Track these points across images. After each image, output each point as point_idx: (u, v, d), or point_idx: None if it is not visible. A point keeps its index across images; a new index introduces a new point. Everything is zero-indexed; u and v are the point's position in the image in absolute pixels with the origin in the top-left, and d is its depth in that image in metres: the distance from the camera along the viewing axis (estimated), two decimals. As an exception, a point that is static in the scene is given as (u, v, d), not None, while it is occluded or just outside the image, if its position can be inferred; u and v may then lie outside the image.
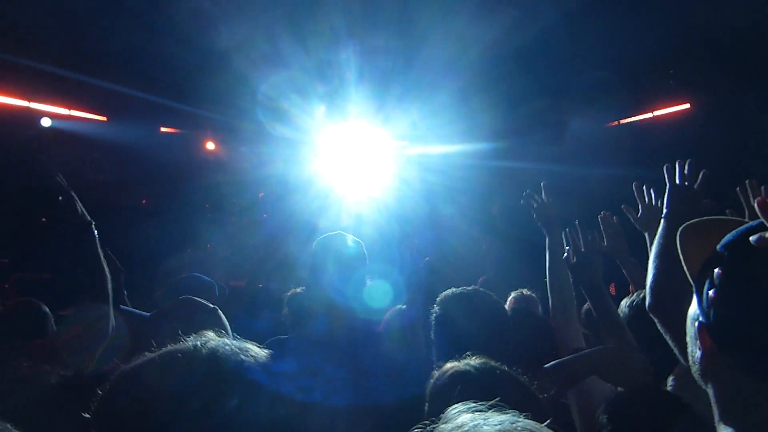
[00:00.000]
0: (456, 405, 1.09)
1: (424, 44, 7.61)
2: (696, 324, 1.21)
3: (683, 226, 1.34)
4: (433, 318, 2.46)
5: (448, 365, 1.71)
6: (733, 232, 1.17)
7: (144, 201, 9.47)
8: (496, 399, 1.11)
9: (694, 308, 1.27)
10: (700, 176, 2.21)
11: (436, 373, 1.72)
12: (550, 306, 2.97)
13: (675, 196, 2.17)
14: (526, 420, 1.01)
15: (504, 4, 6.73)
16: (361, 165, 9.30)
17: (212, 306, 2.36)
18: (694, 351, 1.24)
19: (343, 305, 2.38)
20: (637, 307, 2.53)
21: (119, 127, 9.49)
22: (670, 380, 2.33)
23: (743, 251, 1.13)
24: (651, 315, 1.87)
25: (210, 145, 10.48)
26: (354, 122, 9.24)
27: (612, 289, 6.88)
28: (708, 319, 1.17)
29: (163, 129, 10.16)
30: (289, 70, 8.05)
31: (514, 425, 0.98)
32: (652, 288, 1.90)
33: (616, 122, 9.71)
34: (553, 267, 2.99)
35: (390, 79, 8.32)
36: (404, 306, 3.80)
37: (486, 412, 1.05)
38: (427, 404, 1.69)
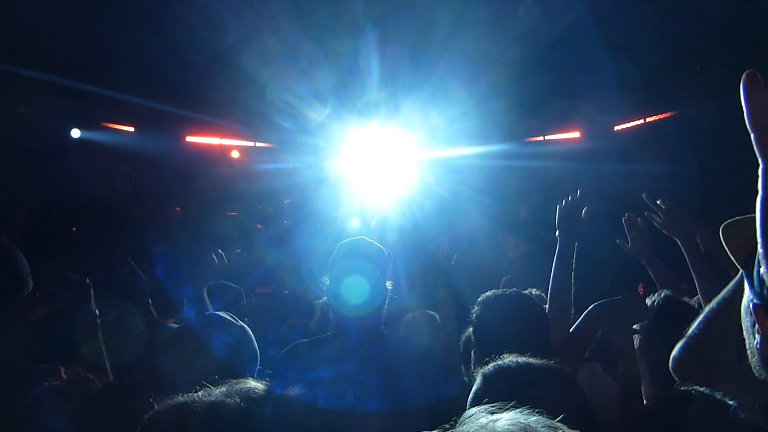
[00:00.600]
0: (474, 407, 1.09)
1: (444, 48, 7.62)
2: (751, 307, 1.16)
3: (724, 224, 1.32)
4: (473, 319, 2.46)
5: (492, 364, 1.71)
6: None
7: (177, 209, 9.59)
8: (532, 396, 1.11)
9: (746, 298, 1.23)
10: None
11: (479, 371, 1.71)
12: (548, 308, 2.92)
13: None
14: (539, 417, 1.00)
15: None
16: (384, 168, 9.33)
17: (239, 324, 2.41)
18: (752, 341, 1.20)
19: (360, 312, 2.41)
20: (659, 308, 2.50)
21: (145, 137, 9.68)
22: None
23: None
24: (674, 374, 1.78)
25: (235, 154, 10.60)
26: (376, 126, 9.28)
27: (640, 290, 6.80)
28: (763, 300, 1.12)
29: (188, 138, 10.32)
30: (313, 76, 8.12)
31: (526, 420, 0.98)
32: (690, 346, 1.77)
33: (640, 120, 9.57)
34: (557, 271, 2.94)
35: (412, 83, 8.34)
36: (430, 311, 3.83)
37: (502, 411, 1.05)
38: (468, 404, 1.65)
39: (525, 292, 4.19)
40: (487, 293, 2.47)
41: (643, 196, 3.01)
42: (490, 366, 1.70)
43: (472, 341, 2.37)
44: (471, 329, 2.45)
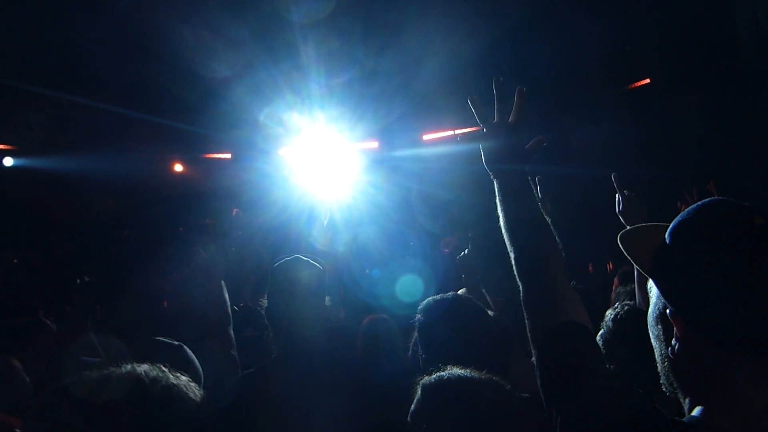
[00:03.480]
0: None
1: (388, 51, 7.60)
2: (665, 315, 1.19)
3: (622, 233, 1.37)
4: (416, 326, 2.42)
5: (433, 375, 1.68)
6: (674, 221, 1.21)
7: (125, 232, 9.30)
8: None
9: (655, 306, 1.27)
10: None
11: (418, 388, 1.69)
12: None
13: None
14: None
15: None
16: (333, 171, 9.22)
17: (177, 343, 2.32)
18: (663, 348, 1.22)
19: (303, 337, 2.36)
20: (621, 321, 2.41)
21: (80, 157, 9.22)
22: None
23: (690, 233, 1.17)
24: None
25: (178, 167, 10.27)
26: (324, 128, 9.18)
27: (590, 268, 6.89)
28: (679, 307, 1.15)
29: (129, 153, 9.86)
30: (258, 79, 7.95)
31: None
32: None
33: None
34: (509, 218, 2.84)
35: (358, 84, 8.28)
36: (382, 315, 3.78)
37: None
38: (409, 415, 1.66)
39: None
40: (428, 299, 2.43)
41: (612, 176, 3.02)
42: (432, 377, 1.68)
43: (419, 350, 2.32)
44: (416, 336, 2.39)
